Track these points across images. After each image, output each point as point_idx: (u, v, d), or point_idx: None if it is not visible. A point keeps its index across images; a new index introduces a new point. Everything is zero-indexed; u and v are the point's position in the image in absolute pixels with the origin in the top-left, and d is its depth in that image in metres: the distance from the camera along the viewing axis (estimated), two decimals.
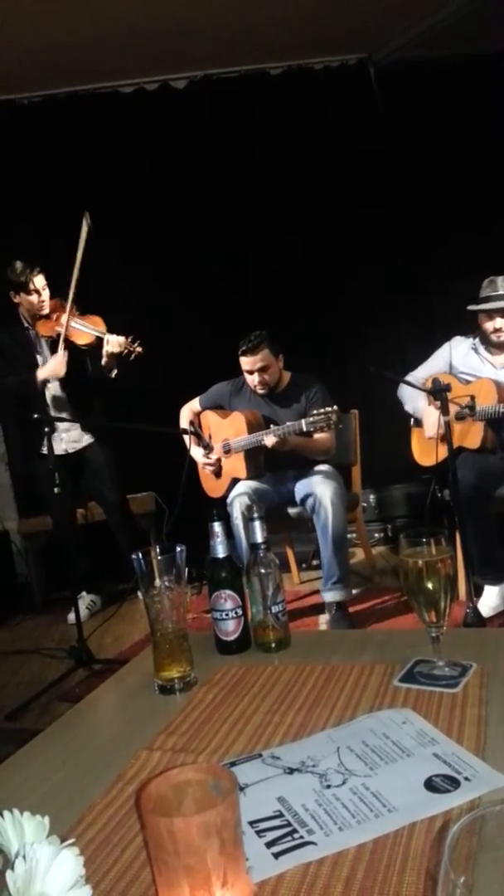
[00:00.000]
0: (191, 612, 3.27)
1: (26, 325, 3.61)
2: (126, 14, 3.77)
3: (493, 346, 3.03)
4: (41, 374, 3.49)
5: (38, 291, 3.50)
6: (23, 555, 4.43)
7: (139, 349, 3.45)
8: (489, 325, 3.00)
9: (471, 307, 3.02)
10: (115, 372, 3.57)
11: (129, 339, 3.46)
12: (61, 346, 3.47)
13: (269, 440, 3.04)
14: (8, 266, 3.47)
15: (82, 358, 3.57)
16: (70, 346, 3.48)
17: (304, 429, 2.95)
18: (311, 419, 2.92)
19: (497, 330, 2.98)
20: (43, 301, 3.52)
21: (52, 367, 3.48)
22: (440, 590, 1.06)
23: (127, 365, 3.50)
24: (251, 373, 3.22)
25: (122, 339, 3.44)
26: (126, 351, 3.44)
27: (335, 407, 2.91)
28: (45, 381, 3.52)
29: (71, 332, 3.46)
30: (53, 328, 3.52)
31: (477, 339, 3.10)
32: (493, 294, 2.97)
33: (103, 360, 3.49)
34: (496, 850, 0.51)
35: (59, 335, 3.48)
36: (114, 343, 3.43)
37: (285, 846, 0.74)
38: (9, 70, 4.09)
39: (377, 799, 0.80)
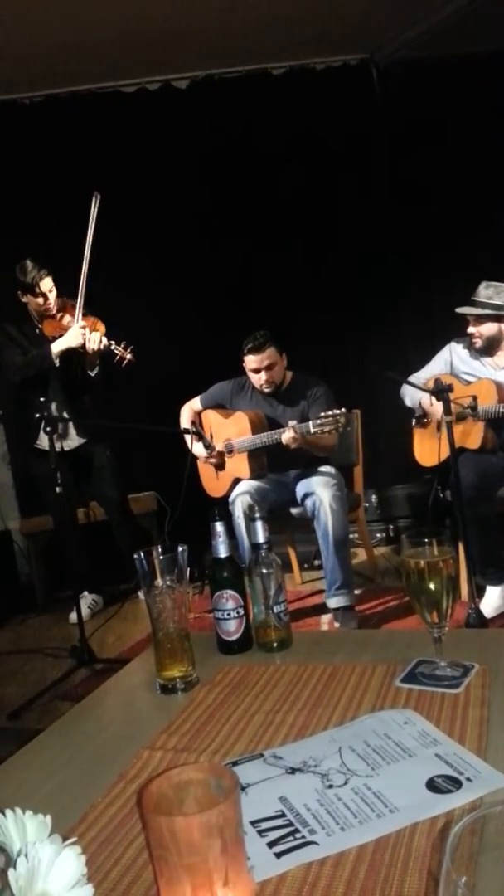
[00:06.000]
0: (192, 612, 3.27)
1: (35, 323, 3.62)
2: (128, 14, 3.77)
3: (475, 349, 3.05)
4: (57, 346, 3.47)
5: (44, 295, 3.50)
6: (25, 554, 4.43)
7: (130, 356, 3.45)
8: (468, 329, 3.04)
9: (457, 310, 3.03)
10: (96, 370, 3.58)
11: (123, 345, 3.46)
12: (79, 316, 3.48)
13: (287, 436, 3.00)
14: (18, 265, 3.48)
15: (77, 357, 3.57)
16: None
17: (311, 431, 2.93)
18: (319, 421, 2.90)
19: (471, 334, 3.04)
20: (49, 303, 3.53)
21: (71, 337, 3.46)
22: (442, 590, 1.06)
23: (120, 370, 3.49)
24: (257, 371, 3.20)
25: (104, 338, 3.45)
26: (118, 356, 3.45)
27: (343, 409, 2.90)
28: (61, 354, 3.49)
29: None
30: (59, 328, 3.53)
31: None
32: (473, 299, 3.00)
33: (88, 357, 3.50)
34: (498, 850, 0.51)
35: (62, 335, 3.49)
36: (96, 340, 3.44)
37: (287, 846, 0.74)
38: (10, 70, 4.09)
39: (379, 799, 0.80)
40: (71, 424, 3.66)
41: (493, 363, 3.05)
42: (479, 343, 3.02)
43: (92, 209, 3.41)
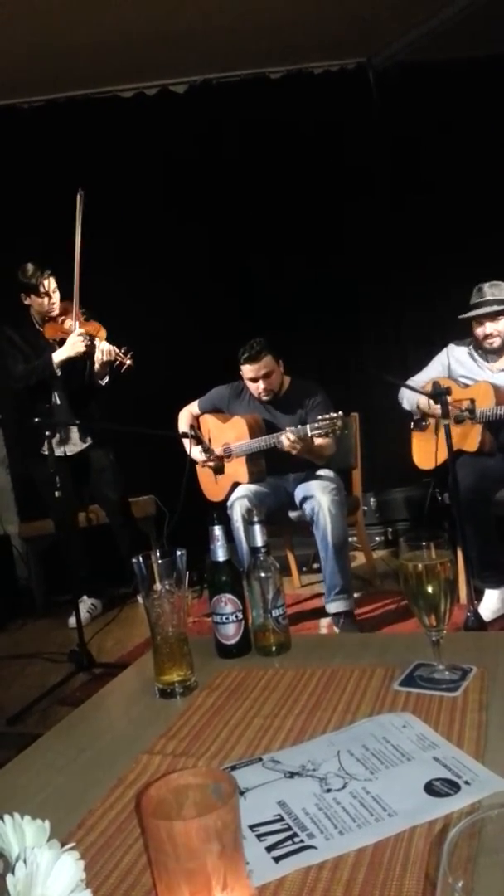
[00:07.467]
0: (191, 616, 3.27)
1: (37, 327, 3.62)
2: (126, 19, 3.78)
3: (486, 351, 3.06)
4: (58, 356, 3.47)
5: (48, 294, 3.51)
6: (24, 558, 4.42)
7: (130, 362, 3.46)
8: (479, 332, 3.05)
9: (461, 316, 3.04)
10: (106, 379, 3.59)
11: (123, 350, 3.47)
12: (76, 323, 3.48)
13: (286, 440, 2.97)
14: (19, 268, 3.48)
15: (81, 363, 3.57)
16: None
17: (308, 434, 2.93)
18: (317, 424, 2.90)
19: (487, 336, 3.02)
20: (53, 303, 3.54)
21: (70, 346, 3.46)
22: (440, 593, 1.06)
23: (119, 375, 3.50)
24: (255, 380, 3.20)
25: (114, 348, 3.45)
26: (118, 362, 3.46)
27: (340, 413, 2.90)
28: (62, 363, 3.49)
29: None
30: (60, 331, 3.53)
31: (472, 345, 3.13)
32: (480, 301, 3.01)
33: (95, 367, 3.51)
34: (495, 853, 0.51)
35: (63, 339, 3.49)
36: (106, 352, 3.45)
37: (285, 850, 0.74)
38: (9, 75, 4.10)
39: (377, 803, 0.80)
40: (74, 429, 3.67)
41: (490, 366, 3.06)
42: (496, 342, 3.02)
43: (77, 208, 3.41)
